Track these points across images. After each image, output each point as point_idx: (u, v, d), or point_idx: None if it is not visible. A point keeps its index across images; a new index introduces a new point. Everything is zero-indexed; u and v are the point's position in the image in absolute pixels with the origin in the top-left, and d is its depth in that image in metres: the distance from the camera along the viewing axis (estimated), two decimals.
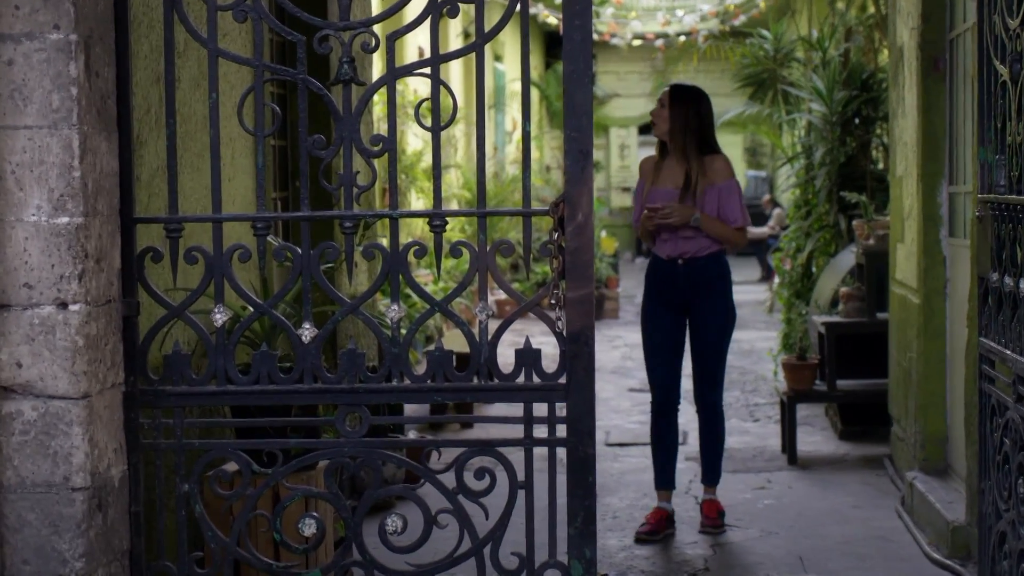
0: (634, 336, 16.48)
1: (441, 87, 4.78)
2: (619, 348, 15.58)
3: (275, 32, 4.94)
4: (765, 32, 15.10)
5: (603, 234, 20.69)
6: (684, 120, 7.60)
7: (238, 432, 5.32)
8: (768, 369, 12.65)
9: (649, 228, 7.61)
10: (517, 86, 24.12)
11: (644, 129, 32.13)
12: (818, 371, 9.81)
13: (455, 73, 18.90)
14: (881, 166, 11.84)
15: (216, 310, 4.85)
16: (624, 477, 8.97)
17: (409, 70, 4.90)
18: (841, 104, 11.74)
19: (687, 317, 7.65)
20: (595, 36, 25.86)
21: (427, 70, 4.78)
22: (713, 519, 7.63)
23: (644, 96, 31.27)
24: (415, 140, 15.84)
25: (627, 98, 32.28)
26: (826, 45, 12.50)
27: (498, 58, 23.50)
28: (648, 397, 7.73)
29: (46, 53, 4.44)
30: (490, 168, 19.76)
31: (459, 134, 19.10)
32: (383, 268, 4.81)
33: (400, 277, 4.86)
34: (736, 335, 8.63)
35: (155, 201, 5.81)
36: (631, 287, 21.37)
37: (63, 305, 4.48)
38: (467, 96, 18.87)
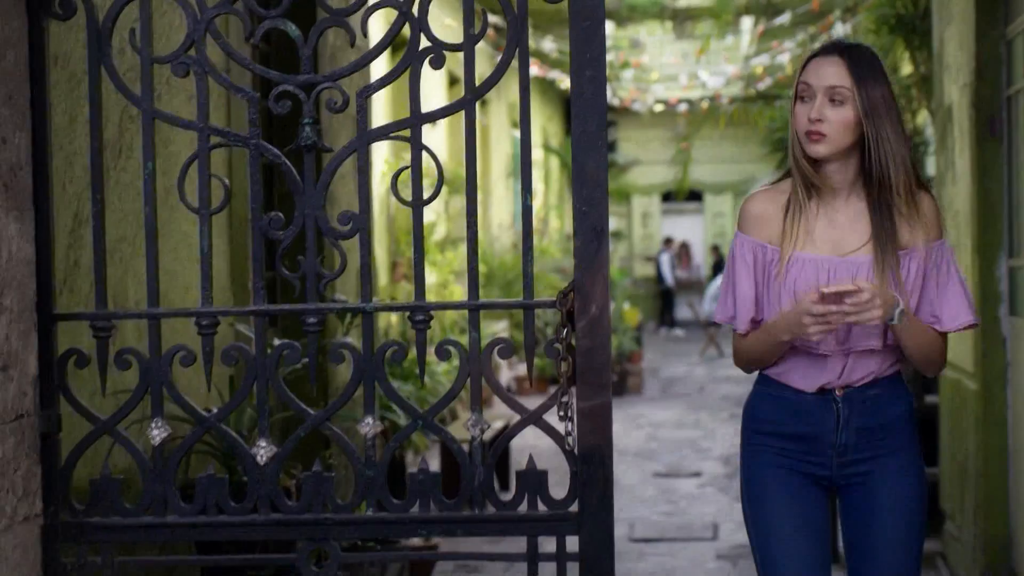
0: (659, 414, 15.73)
1: (425, 153, 3.99)
2: (643, 428, 14.76)
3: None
4: None
5: (626, 306, 19.92)
6: (879, 119, 3.80)
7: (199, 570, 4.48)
8: None
9: (815, 333, 3.71)
10: (538, 154, 23.50)
11: (667, 196, 31.67)
12: None
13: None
14: None
15: (153, 425, 4.01)
16: None
17: (385, 132, 4.06)
18: None
19: (835, 495, 4.04)
20: (616, 101, 25.54)
21: (406, 132, 3.98)
22: None
23: (666, 163, 31.13)
24: (426, 211, 15.05)
25: (649, 165, 32.01)
26: None
27: (515, 124, 22.77)
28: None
29: None
30: (508, 239, 18.98)
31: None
32: (354, 374, 3.97)
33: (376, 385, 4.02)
34: None
35: None
36: (655, 359, 20.47)
37: None
38: (483, 164, 18.11)
